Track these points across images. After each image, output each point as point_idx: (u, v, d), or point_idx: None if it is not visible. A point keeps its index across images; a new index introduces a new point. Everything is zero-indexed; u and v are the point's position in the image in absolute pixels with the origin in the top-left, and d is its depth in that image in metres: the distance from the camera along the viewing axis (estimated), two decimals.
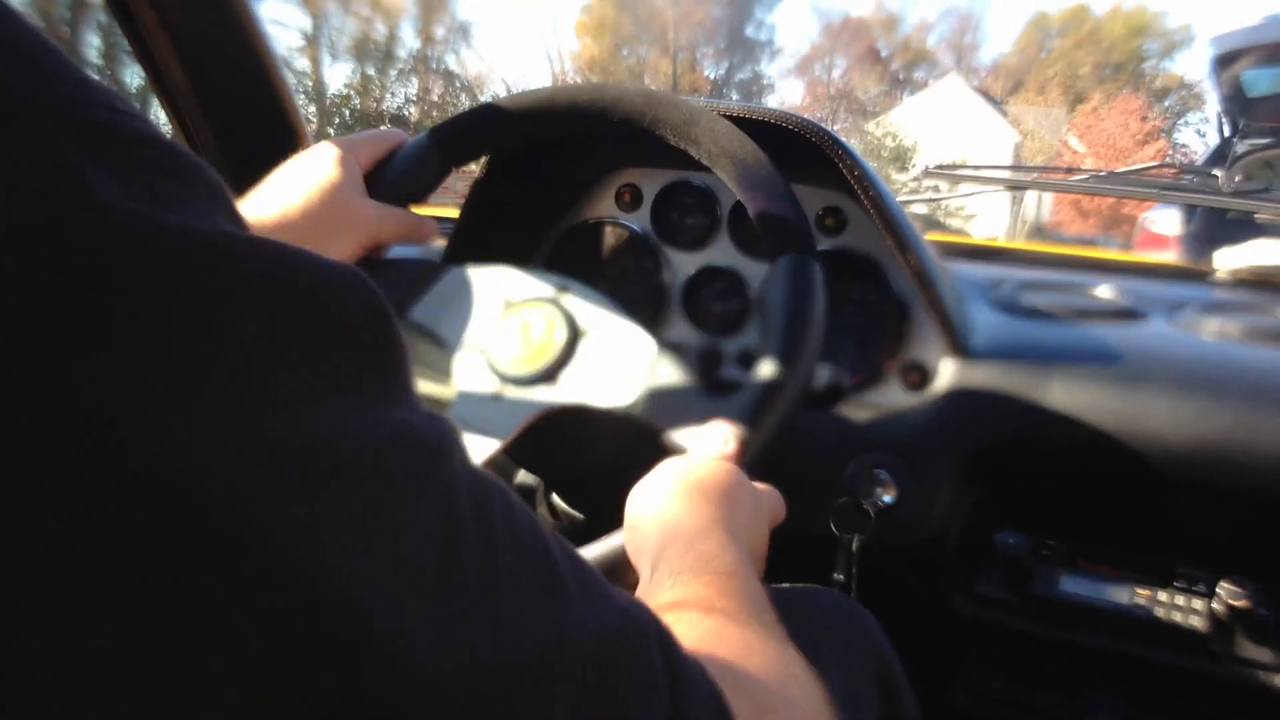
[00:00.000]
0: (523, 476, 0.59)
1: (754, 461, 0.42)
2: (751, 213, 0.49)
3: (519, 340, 0.48)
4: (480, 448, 0.45)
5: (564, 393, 0.46)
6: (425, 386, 0.50)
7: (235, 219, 0.19)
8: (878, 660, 0.47)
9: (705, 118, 0.50)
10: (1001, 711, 0.68)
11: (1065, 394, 0.61)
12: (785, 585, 0.49)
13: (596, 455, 0.54)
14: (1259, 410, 0.58)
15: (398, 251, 0.56)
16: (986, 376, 0.64)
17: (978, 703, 0.69)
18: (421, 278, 0.51)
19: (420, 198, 0.55)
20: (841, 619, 0.47)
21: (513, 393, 0.46)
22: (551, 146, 0.72)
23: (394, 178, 0.53)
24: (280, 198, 0.48)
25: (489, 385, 0.47)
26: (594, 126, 0.53)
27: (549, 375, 0.46)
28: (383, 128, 0.56)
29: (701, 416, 0.59)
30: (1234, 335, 0.67)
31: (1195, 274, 0.89)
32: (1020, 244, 1.15)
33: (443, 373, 0.49)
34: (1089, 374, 0.62)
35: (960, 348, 0.65)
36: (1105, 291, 0.76)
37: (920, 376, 0.68)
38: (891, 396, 0.68)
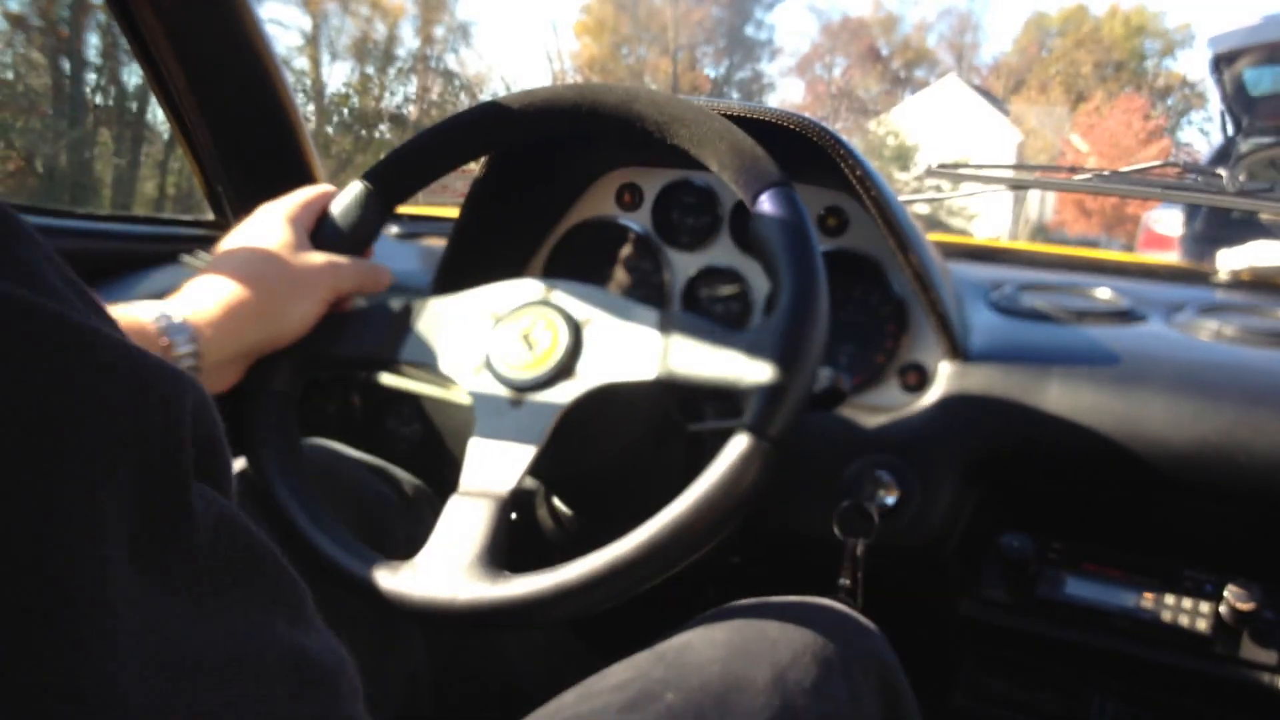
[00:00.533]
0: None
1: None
2: (713, 166, 0.49)
3: (523, 347, 0.48)
4: (518, 457, 0.45)
5: (586, 382, 0.46)
6: (445, 394, 0.50)
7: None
8: (880, 670, 0.47)
9: (645, 93, 0.51)
10: (1002, 713, 0.67)
11: (1063, 396, 0.61)
12: (787, 599, 0.49)
13: (598, 458, 0.54)
14: (1257, 411, 0.58)
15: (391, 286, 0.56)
16: (984, 379, 0.63)
17: (978, 704, 0.68)
18: (398, 321, 0.51)
19: (366, 244, 0.55)
20: (844, 631, 0.47)
21: (534, 397, 0.46)
22: (550, 145, 0.72)
23: (336, 229, 0.53)
24: (237, 272, 0.49)
25: (504, 398, 0.47)
26: (534, 134, 0.53)
27: (566, 370, 0.47)
28: (312, 186, 0.56)
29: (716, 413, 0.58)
30: (1232, 337, 0.66)
31: (1196, 275, 0.89)
32: (1021, 244, 1.15)
33: (455, 391, 0.49)
34: (1087, 376, 0.62)
35: (958, 350, 0.64)
36: (1104, 293, 0.75)
37: (919, 378, 0.68)
38: (890, 397, 0.68)
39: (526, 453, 0.45)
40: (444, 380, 0.62)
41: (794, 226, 0.46)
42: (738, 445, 0.42)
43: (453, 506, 0.45)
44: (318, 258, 0.51)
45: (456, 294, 0.51)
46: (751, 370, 0.43)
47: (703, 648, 0.43)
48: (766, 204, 0.47)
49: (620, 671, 0.42)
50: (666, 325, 0.47)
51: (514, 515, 0.60)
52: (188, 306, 0.46)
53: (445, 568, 0.43)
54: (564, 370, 0.46)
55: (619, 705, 0.39)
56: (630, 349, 0.47)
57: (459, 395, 0.54)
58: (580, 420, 0.47)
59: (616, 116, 0.51)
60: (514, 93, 0.53)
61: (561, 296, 0.49)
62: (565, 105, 0.52)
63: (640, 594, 0.42)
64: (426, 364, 0.50)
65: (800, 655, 0.43)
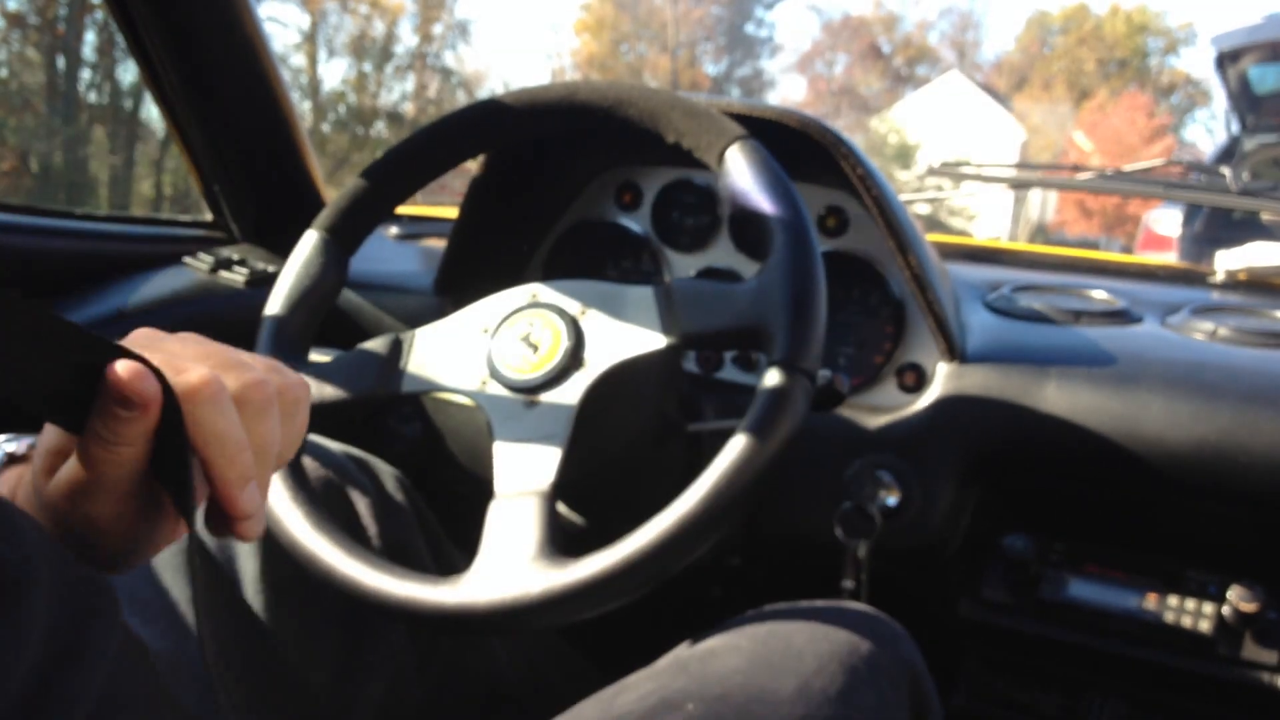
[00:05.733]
0: None
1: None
2: (670, 137, 0.49)
3: (525, 350, 0.47)
4: (548, 454, 0.45)
5: (598, 367, 0.46)
6: (447, 394, 0.50)
7: None
8: (910, 676, 0.47)
9: (585, 84, 0.51)
10: (1004, 713, 0.67)
11: (1059, 396, 0.61)
12: (816, 602, 0.48)
13: (597, 460, 0.54)
14: (1254, 412, 0.57)
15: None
16: (981, 380, 0.63)
17: (980, 704, 0.68)
18: (390, 357, 0.50)
19: (333, 295, 0.54)
20: (873, 634, 0.46)
21: (548, 394, 0.46)
22: (548, 144, 0.71)
23: (300, 285, 0.52)
24: None
25: (519, 401, 0.47)
26: (462, 156, 0.54)
27: (574, 361, 0.46)
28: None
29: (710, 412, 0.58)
30: (1227, 337, 0.66)
31: (1192, 276, 0.89)
32: (1018, 245, 1.15)
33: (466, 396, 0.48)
34: (1083, 376, 0.61)
35: (955, 351, 0.64)
36: (1100, 294, 0.75)
37: (916, 379, 0.67)
38: (888, 398, 0.68)
39: (556, 447, 0.45)
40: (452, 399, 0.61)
41: (767, 172, 0.46)
42: (777, 381, 0.42)
43: (496, 511, 0.44)
44: None
45: (442, 320, 0.51)
46: (769, 309, 0.43)
47: (726, 656, 0.42)
48: (733, 160, 0.47)
49: (641, 681, 0.42)
50: (667, 294, 0.47)
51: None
52: None
53: (507, 568, 0.42)
54: (573, 362, 0.46)
55: (639, 714, 0.38)
56: (634, 325, 0.46)
57: (462, 396, 0.54)
58: (597, 410, 0.46)
59: (561, 110, 0.51)
60: (437, 122, 0.54)
61: (550, 294, 0.49)
62: (497, 118, 0.52)
63: (639, 598, 0.42)
64: (429, 391, 0.49)
65: (827, 663, 0.42)
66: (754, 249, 0.73)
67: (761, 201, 0.46)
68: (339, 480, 0.55)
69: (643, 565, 0.40)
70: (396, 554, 0.54)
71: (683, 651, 0.44)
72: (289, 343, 0.51)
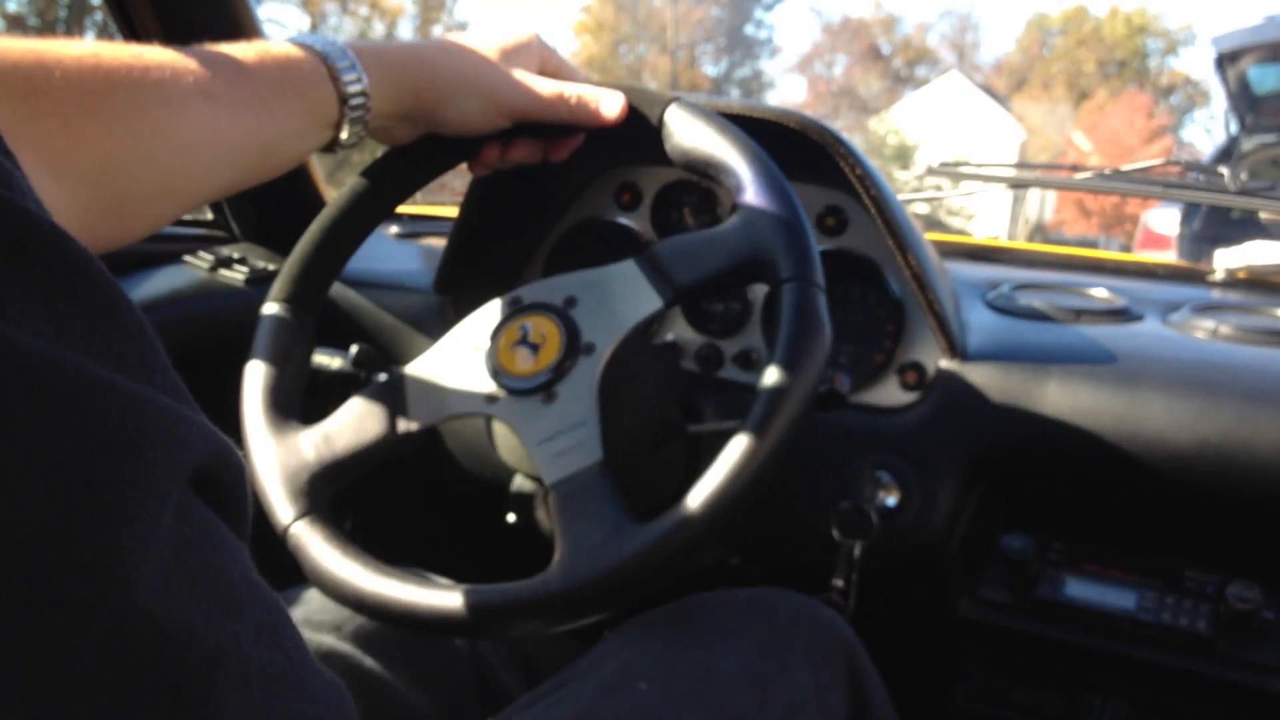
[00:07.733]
0: (520, 482, 0.59)
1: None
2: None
3: (525, 351, 0.47)
4: (583, 434, 0.45)
5: (604, 347, 0.46)
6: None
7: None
8: (847, 658, 0.48)
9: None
10: (1003, 713, 0.67)
11: (1061, 395, 0.61)
12: (749, 589, 0.49)
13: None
14: (1255, 411, 0.57)
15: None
16: (982, 378, 0.63)
17: (979, 704, 0.68)
18: (390, 397, 0.49)
19: (307, 364, 0.52)
20: (807, 619, 0.48)
21: (562, 384, 0.46)
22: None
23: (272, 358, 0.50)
24: (424, 46, 0.47)
25: (535, 400, 0.46)
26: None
27: (579, 348, 0.46)
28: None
29: (709, 413, 0.58)
30: (1229, 336, 0.66)
31: (1193, 274, 0.89)
32: (1019, 244, 1.15)
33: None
34: (1084, 375, 0.61)
35: (956, 350, 0.64)
36: (1101, 292, 0.75)
37: (917, 377, 0.67)
38: (889, 397, 0.68)
39: (589, 428, 0.45)
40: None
41: (706, 119, 0.47)
42: (796, 293, 0.42)
43: (558, 499, 0.44)
44: (519, 74, 0.48)
45: (429, 351, 0.50)
46: (761, 236, 0.44)
47: (670, 635, 0.44)
48: (671, 119, 0.48)
49: (590, 656, 0.43)
50: (650, 259, 0.47)
51: (513, 517, 0.60)
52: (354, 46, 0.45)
53: (598, 540, 0.41)
54: (577, 349, 0.46)
55: (595, 687, 0.39)
56: (628, 296, 0.46)
57: (479, 416, 0.54)
58: (605, 400, 0.46)
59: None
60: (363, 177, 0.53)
61: (533, 293, 0.49)
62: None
63: (641, 599, 0.42)
64: (445, 420, 0.49)
65: (766, 644, 0.44)
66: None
67: (711, 146, 0.46)
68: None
69: (641, 566, 0.40)
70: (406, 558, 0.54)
71: (624, 626, 0.45)
72: (279, 409, 0.50)
